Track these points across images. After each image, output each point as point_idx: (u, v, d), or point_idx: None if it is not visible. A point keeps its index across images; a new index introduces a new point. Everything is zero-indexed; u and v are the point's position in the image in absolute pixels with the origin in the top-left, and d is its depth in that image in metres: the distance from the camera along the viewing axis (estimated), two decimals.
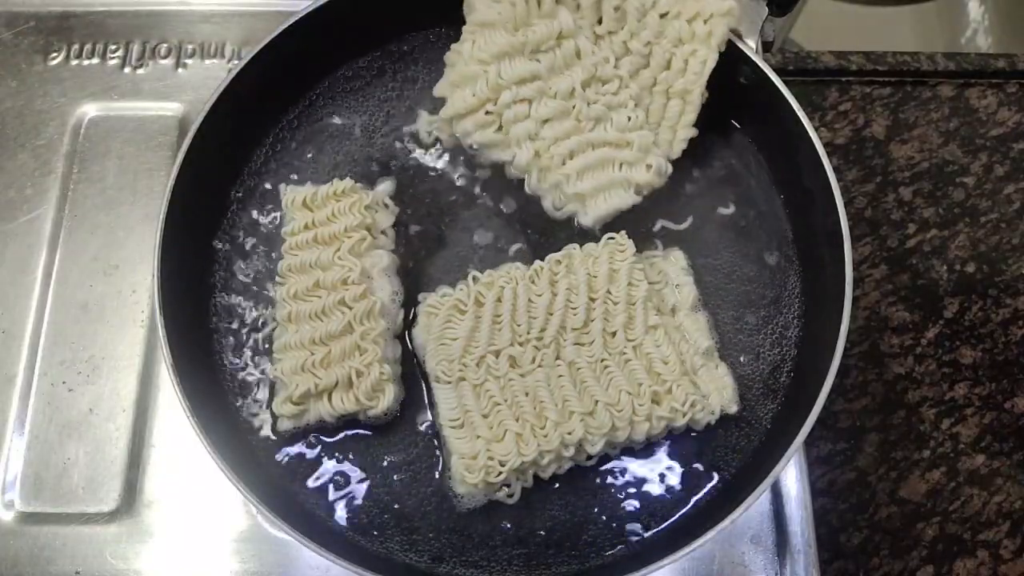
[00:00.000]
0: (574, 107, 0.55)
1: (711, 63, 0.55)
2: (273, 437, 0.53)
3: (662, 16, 0.56)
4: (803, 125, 0.54)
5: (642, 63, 0.56)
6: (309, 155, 0.60)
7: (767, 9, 0.63)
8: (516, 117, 0.55)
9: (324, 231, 0.54)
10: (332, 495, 0.53)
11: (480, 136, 0.55)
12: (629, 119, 0.56)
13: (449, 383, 0.52)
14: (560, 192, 0.56)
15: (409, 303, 0.56)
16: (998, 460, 0.64)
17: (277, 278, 0.55)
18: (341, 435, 0.53)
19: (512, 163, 0.56)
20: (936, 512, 0.63)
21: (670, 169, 0.57)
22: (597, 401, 0.51)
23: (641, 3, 0.55)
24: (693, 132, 0.57)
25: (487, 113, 0.55)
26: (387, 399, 0.52)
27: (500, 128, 0.55)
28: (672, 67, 0.56)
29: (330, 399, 0.51)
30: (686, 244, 0.58)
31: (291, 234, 0.55)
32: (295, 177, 0.59)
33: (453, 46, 0.56)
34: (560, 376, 0.52)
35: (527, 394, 0.51)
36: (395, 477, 0.53)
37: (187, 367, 0.50)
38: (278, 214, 0.58)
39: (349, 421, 0.53)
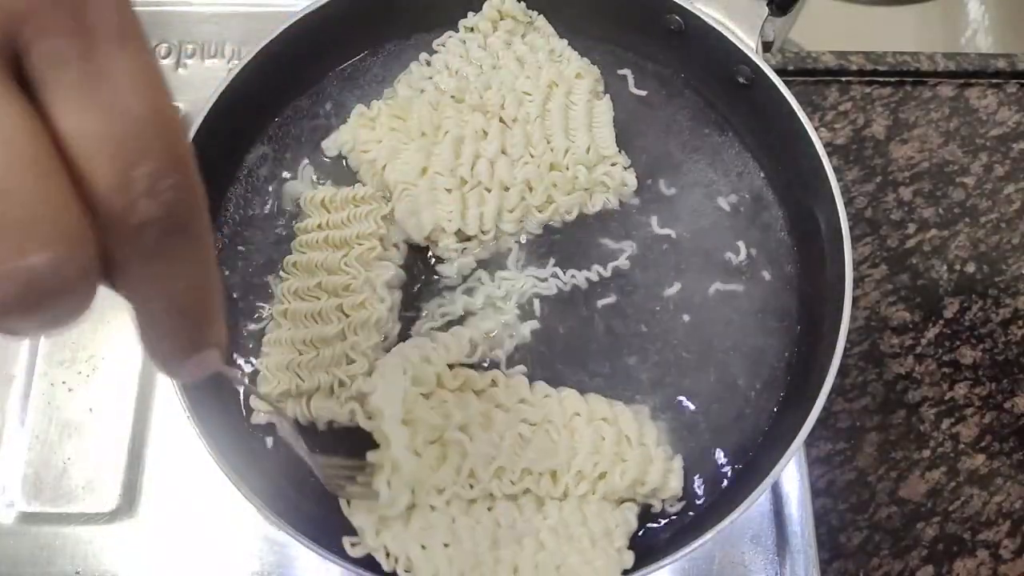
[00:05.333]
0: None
1: None
2: (277, 438, 0.53)
3: None
4: (803, 125, 0.54)
5: None
6: (309, 155, 0.60)
7: (767, 9, 0.63)
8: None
9: (336, 234, 0.54)
10: (335, 495, 0.53)
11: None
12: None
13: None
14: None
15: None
16: (998, 460, 0.64)
17: (281, 272, 0.55)
18: (344, 434, 0.53)
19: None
20: (936, 512, 0.63)
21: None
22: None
23: None
24: None
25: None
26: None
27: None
28: None
29: (308, 403, 0.51)
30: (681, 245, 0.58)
31: (303, 231, 0.55)
32: (287, 176, 0.59)
33: None
34: None
35: None
36: None
37: None
38: (279, 211, 0.58)
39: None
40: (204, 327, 0.23)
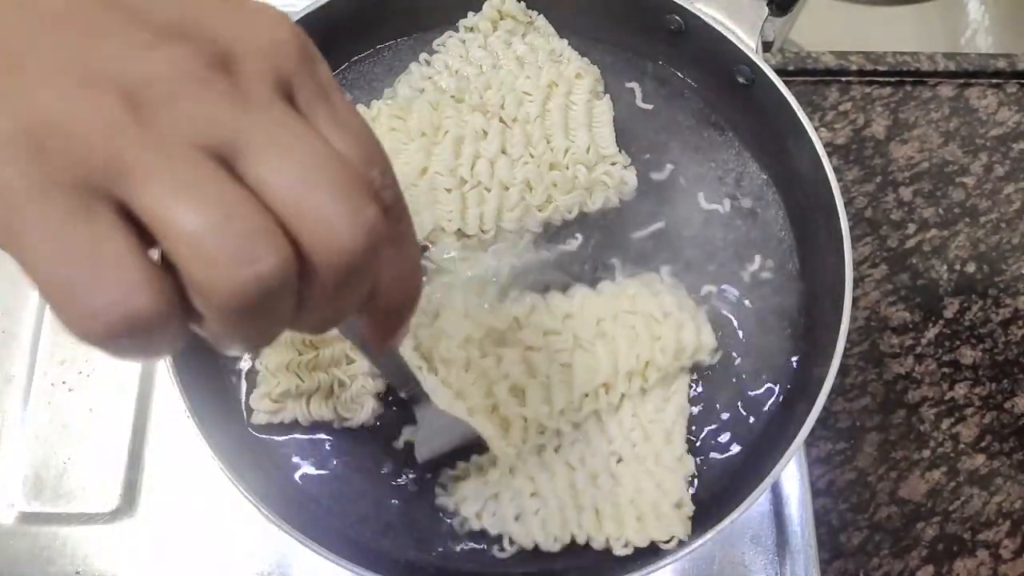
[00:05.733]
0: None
1: None
2: (277, 438, 0.53)
3: None
4: (803, 125, 0.54)
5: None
6: None
7: (767, 9, 0.63)
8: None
9: None
10: (335, 494, 0.53)
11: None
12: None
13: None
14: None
15: None
16: (998, 460, 0.64)
17: None
18: (346, 434, 0.53)
19: None
20: (936, 512, 0.63)
21: None
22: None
23: None
24: None
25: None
26: (364, 413, 0.52)
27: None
28: None
29: (308, 403, 0.51)
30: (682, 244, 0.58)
31: None
32: None
33: None
34: None
35: None
36: (400, 477, 0.53)
37: (187, 367, 0.50)
38: None
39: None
40: (410, 308, 0.28)
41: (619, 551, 0.49)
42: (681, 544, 0.49)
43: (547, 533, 0.50)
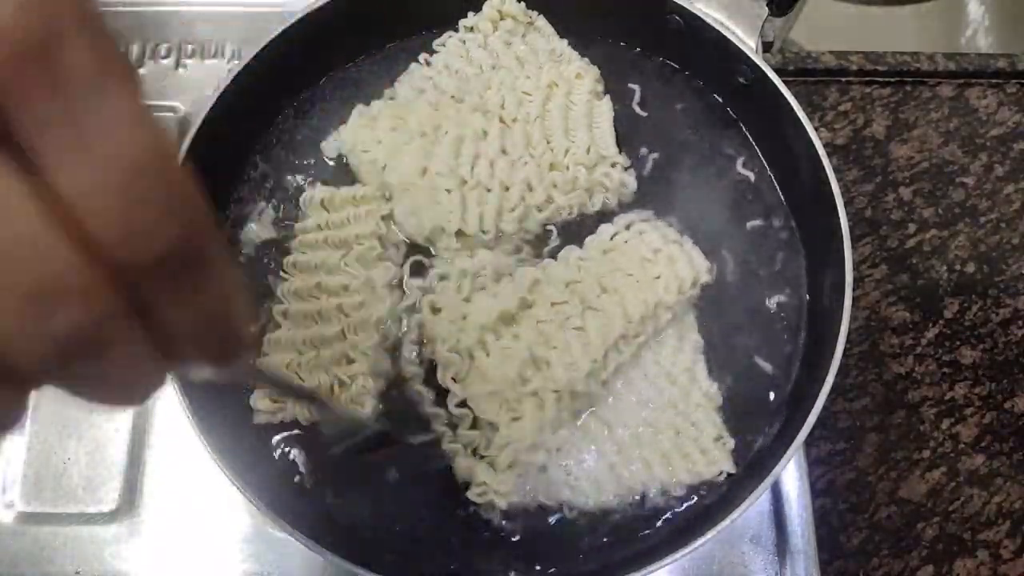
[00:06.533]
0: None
1: None
2: (277, 438, 0.53)
3: None
4: (803, 125, 0.54)
5: None
6: (311, 156, 0.60)
7: (767, 9, 0.63)
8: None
9: (335, 235, 0.54)
10: (335, 494, 0.53)
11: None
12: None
13: None
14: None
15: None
16: (998, 460, 0.64)
17: (281, 272, 0.55)
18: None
19: None
20: (936, 512, 0.63)
21: None
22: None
23: None
24: None
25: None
26: (364, 413, 0.52)
27: None
28: None
29: (309, 403, 0.51)
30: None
31: (303, 231, 0.55)
32: (287, 176, 0.60)
33: None
34: None
35: None
36: (399, 478, 0.53)
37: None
38: (279, 212, 0.58)
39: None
40: (236, 337, 0.23)
41: (675, 492, 0.52)
42: (717, 492, 0.52)
43: (602, 492, 0.51)
